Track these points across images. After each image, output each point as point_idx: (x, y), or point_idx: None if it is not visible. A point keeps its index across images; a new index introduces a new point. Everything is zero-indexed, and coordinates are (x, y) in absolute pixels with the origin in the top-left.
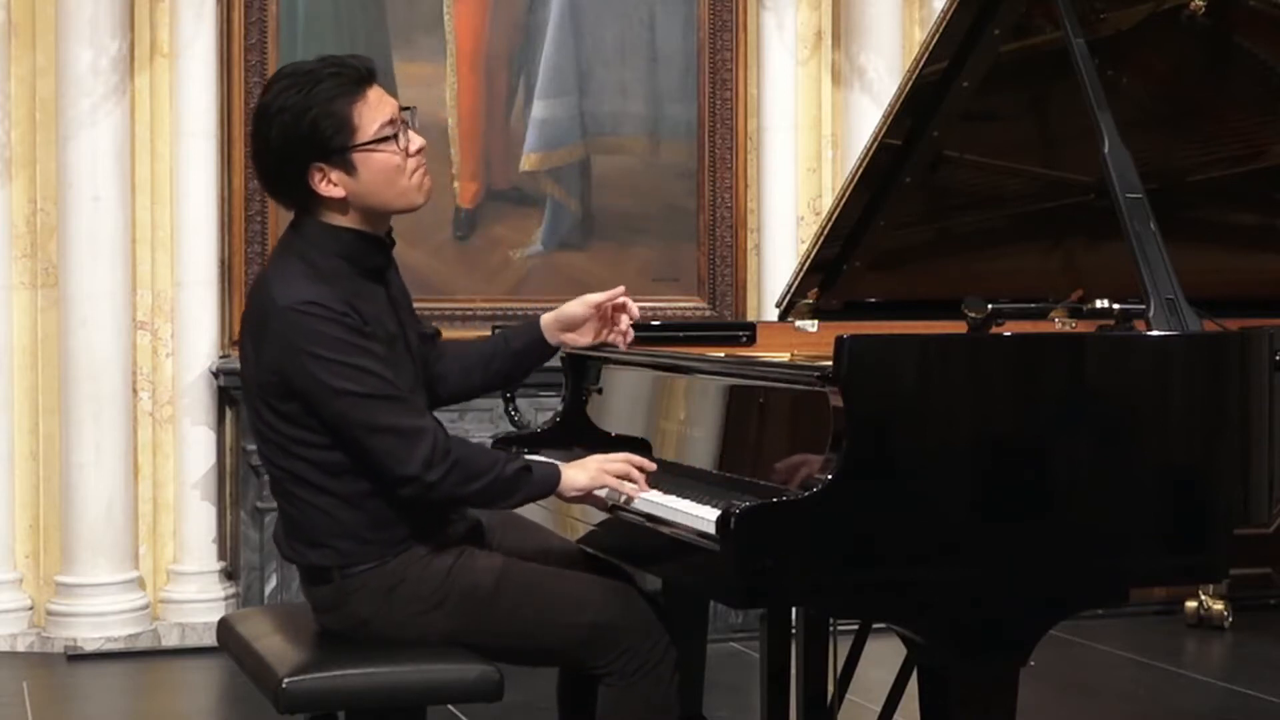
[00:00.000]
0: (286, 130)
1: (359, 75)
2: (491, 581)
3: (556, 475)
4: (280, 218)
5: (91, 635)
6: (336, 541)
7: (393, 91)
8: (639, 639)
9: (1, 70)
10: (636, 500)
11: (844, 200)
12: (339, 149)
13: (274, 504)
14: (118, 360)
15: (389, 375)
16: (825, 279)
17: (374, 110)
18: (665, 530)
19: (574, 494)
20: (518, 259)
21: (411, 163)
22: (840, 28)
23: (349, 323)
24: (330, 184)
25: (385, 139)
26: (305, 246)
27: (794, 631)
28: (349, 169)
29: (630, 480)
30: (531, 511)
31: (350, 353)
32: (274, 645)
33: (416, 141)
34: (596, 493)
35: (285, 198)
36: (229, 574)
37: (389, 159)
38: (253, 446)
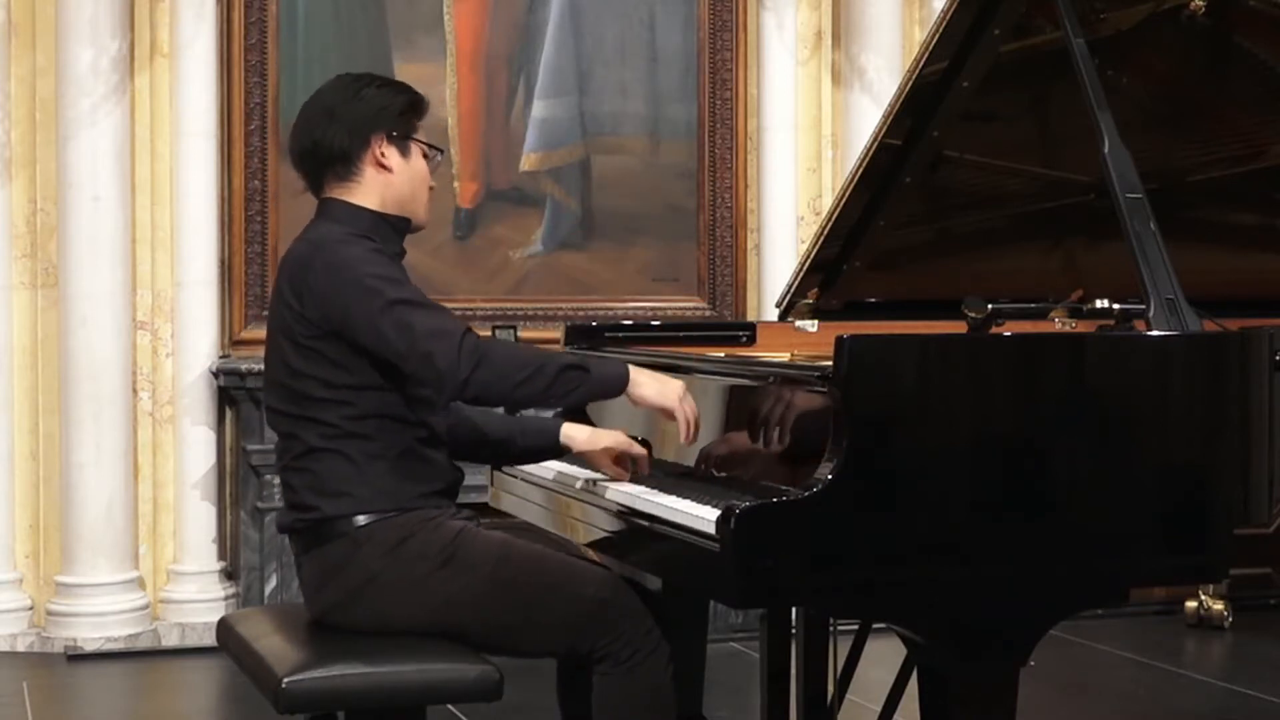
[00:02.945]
0: (371, 96)
1: (425, 110)
2: (497, 550)
3: (623, 376)
4: (280, 218)
5: (91, 635)
6: (355, 488)
7: None
8: (634, 625)
9: (1, 70)
10: (638, 501)
11: (844, 200)
12: (406, 133)
13: (274, 504)
14: (118, 360)
15: (419, 290)
16: (825, 279)
17: (422, 134)
18: (665, 530)
19: (639, 400)
20: (518, 259)
21: (429, 190)
22: (840, 28)
23: (387, 255)
24: (384, 155)
25: (427, 153)
26: (336, 223)
27: (794, 631)
28: (404, 152)
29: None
30: (531, 511)
31: (388, 267)
32: (273, 645)
33: (433, 181)
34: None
35: (337, 149)
36: (229, 574)
37: (425, 169)
38: (253, 446)
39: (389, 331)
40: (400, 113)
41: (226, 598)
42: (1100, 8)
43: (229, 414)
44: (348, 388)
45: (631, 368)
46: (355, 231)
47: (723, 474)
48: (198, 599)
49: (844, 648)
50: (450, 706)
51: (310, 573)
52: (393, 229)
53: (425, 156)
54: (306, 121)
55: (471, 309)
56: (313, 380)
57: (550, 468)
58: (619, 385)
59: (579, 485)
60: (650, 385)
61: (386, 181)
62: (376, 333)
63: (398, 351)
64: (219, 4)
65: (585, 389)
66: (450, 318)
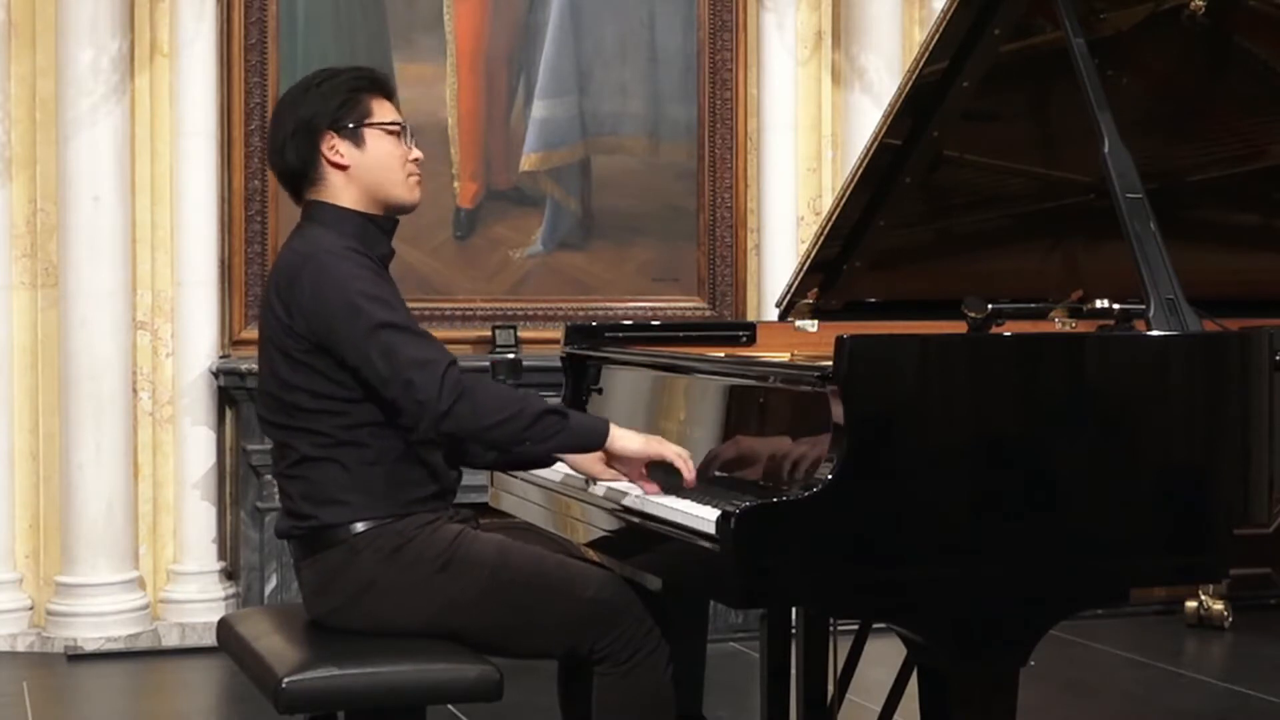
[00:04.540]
0: (313, 97)
1: (383, 84)
2: (496, 552)
3: (604, 429)
4: (280, 218)
5: (91, 635)
6: (351, 496)
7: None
8: (634, 625)
9: (1, 70)
10: (637, 501)
11: (844, 200)
12: (351, 123)
13: (274, 504)
14: (118, 360)
15: (408, 312)
16: (825, 279)
17: (386, 110)
18: (665, 530)
19: (621, 452)
20: (518, 259)
21: (410, 165)
22: (840, 28)
23: (375, 269)
24: (338, 153)
25: (391, 130)
26: (322, 226)
27: (794, 631)
28: (357, 142)
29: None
30: (531, 511)
31: (378, 286)
32: (274, 645)
33: (417, 152)
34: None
35: (295, 164)
36: (229, 574)
37: (392, 148)
38: (253, 446)
39: (373, 355)
40: (341, 104)
41: (226, 598)
42: (1100, 8)
43: (229, 414)
44: (339, 399)
45: (612, 424)
46: (342, 236)
47: (723, 474)
48: (198, 599)
49: (844, 648)
50: (450, 706)
51: (309, 578)
52: (379, 229)
53: (393, 135)
54: (269, 135)
55: (471, 309)
56: (304, 393)
57: (556, 469)
58: (599, 439)
59: (581, 485)
60: (634, 439)
61: (349, 177)
62: (361, 354)
63: (380, 376)
64: (219, 4)
65: (564, 436)
66: (436, 347)
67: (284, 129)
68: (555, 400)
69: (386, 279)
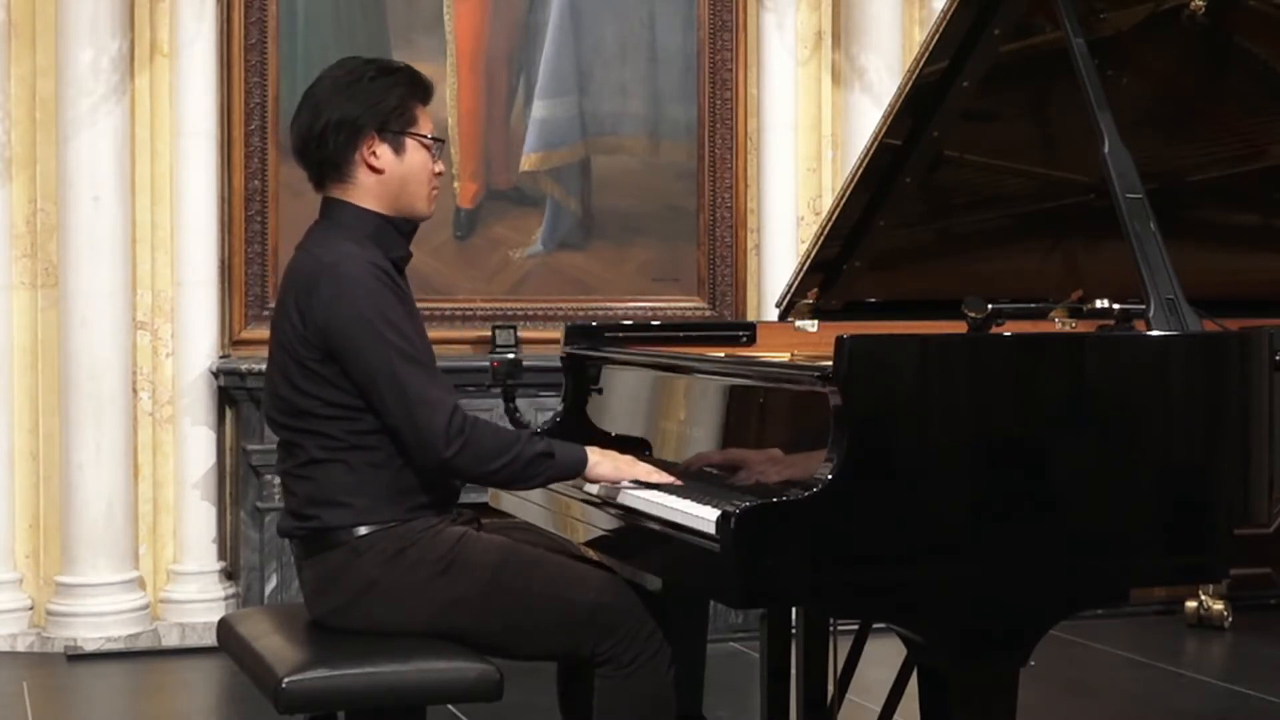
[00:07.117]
0: (362, 92)
1: (430, 93)
2: (497, 554)
3: (582, 460)
4: (280, 218)
5: (91, 635)
6: (356, 499)
7: None
8: (636, 627)
9: (1, 70)
10: (637, 501)
11: (844, 200)
12: (397, 129)
13: (274, 504)
14: (118, 360)
15: (423, 344)
16: (825, 279)
17: (427, 121)
18: (665, 530)
19: (598, 480)
20: (518, 259)
21: (434, 180)
22: (840, 28)
23: (394, 288)
24: (375, 156)
25: (428, 144)
26: (341, 228)
27: (794, 631)
28: (397, 149)
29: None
30: (531, 511)
31: (396, 312)
32: (274, 645)
33: (440, 166)
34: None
35: (330, 155)
36: (229, 574)
37: (426, 160)
38: (253, 446)
39: (382, 383)
40: (394, 107)
41: (226, 598)
42: (1100, 8)
43: (229, 414)
44: (351, 407)
45: (589, 452)
46: (362, 243)
47: (723, 474)
48: (198, 599)
49: (844, 648)
50: (450, 706)
51: (310, 578)
52: (397, 231)
53: (426, 147)
54: (301, 116)
55: (471, 309)
56: (317, 400)
57: None
58: (579, 469)
59: (578, 484)
60: (605, 464)
61: (379, 180)
62: (370, 379)
63: (386, 406)
64: (219, 4)
65: (549, 474)
66: (444, 385)
67: (325, 115)
68: (555, 401)
69: (405, 297)
